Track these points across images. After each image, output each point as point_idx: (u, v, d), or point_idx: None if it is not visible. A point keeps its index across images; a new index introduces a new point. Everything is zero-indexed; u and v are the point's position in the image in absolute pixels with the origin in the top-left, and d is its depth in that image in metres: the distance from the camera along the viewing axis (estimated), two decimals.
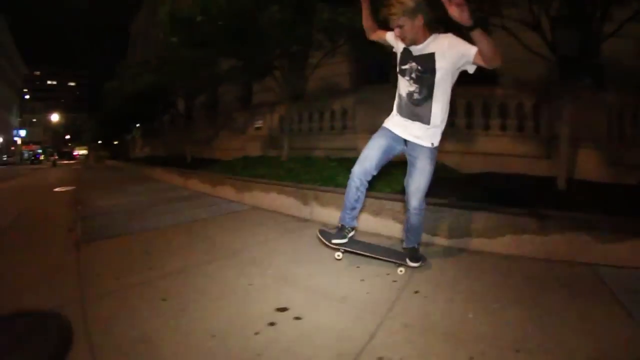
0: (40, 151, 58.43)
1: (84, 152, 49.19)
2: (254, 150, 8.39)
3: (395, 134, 1.93)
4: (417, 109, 1.85)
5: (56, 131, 52.35)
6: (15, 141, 54.48)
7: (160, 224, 3.47)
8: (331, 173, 4.41)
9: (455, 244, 2.48)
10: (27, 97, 66.54)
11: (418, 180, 1.90)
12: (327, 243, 2.09)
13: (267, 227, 3.24)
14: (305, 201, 3.51)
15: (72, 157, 56.58)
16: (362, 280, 1.92)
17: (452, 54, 1.71)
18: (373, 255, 2.09)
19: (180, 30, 5.97)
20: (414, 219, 1.98)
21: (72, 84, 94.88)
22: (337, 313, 1.55)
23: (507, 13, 3.56)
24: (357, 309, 1.59)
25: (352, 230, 2.12)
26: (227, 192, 5.08)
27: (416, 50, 1.80)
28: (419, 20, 1.70)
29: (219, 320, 1.49)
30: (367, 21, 2.10)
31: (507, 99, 5.01)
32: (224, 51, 6.35)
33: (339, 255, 2.17)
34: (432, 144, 1.88)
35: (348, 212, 2.06)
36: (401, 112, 1.93)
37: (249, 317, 1.50)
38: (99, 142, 28.06)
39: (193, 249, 2.59)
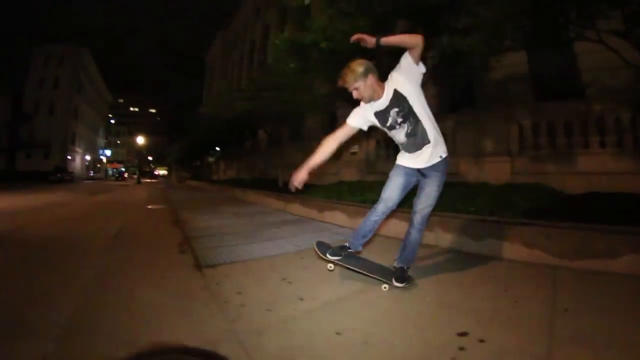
0: (123, 169, 65.95)
1: (164, 172, 53.58)
2: (350, 175, 8.09)
3: (410, 169, 2.09)
4: (416, 138, 2.02)
5: (140, 152, 59.50)
6: (101, 159, 62.89)
7: (280, 248, 3.27)
8: (448, 199, 3.94)
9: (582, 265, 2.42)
10: (112, 121, 76.98)
11: (431, 197, 2.06)
12: (321, 255, 2.20)
13: (393, 252, 2.85)
14: (430, 227, 3.13)
15: (154, 176, 62.28)
16: (515, 302, 1.87)
17: (404, 75, 1.96)
18: (361, 272, 2.18)
19: (297, 56, 6.07)
20: (416, 235, 2.13)
21: (153, 110, 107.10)
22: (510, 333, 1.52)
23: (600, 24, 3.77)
24: (526, 326, 1.58)
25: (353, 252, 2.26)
26: (337, 217, 4.76)
27: (382, 102, 2.01)
28: (371, 79, 1.97)
29: (409, 350, 1.39)
30: (324, 159, 2.17)
31: (604, 113, 4.83)
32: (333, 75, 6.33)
33: (330, 267, 2.27)
34: (442, 156, 2.04)
35: (359, 239, 2.21)
36: (408, 150, 2.07)
37: (436, 345, 1.42)
38: (181, 163, 29.68)
39: (336, 276, 2.35)
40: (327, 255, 2.19)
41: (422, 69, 1.96)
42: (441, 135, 2.07)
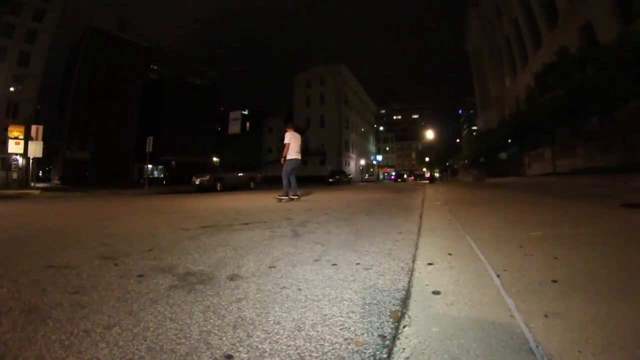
0: (393, 173, 65.75)
1: (436, 174, 50.15)
2: None
3: None
4: None
5: (420, 154, 58.18)
6: (374, 164, 65.23)
7: None
8: None
9: None
10: (381, 128, 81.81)
11: None
12: None
13: None
14: None
15: (425, 179, 60.59)
16: None
17: None
18: None
19: None
20: None
21: (415, 116, 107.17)
22: None
23: None
24: None
25: None
26: None
27: None
28: None
29: None
30: None
31: None
32: None
33: None
34: None
35: None
36: None
37: None
38: (464, 161, 26.83)
39: None
40: None
41: None
42: None
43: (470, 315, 0.97)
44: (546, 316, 0.93)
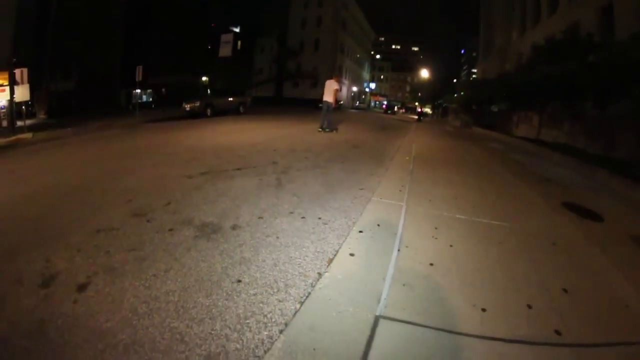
0: (385, 102, 64.19)
1: (428, 110, 48.70)
2: None
3: None
4: None
5: (413, 90, 55.87)
6: (366, 92, 63.50)
7: None
8: None
9: None
10: (377, 56, 76.72)
11: None
12: None
13: None
14: None
15: (416, 113, 59.23)
16: None
17: None
18: None
19: None
20: None
21: (415, 48, 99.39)
22: None
23: None
24: None
25: None
26: None
27: None
28: None
29: None
30: None
31: None
32: None
33: None
34: None
35: None
36: None
37: None
38: (466, 105, 25.43)
39: None
40: None
41: None
42: None
43: (363, 271, 1.71)
44: (404, 285, 1.71)
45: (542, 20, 21.27)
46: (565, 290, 1.61)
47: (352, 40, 51.78)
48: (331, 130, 8.28)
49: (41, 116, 33.42)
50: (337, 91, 8.32)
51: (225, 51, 24.86)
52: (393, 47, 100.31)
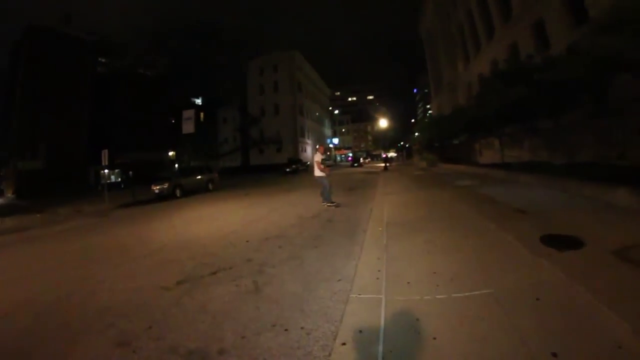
0: (351, 154, 67.46)
1: (392, 154, 51.71)
2: None
3: None
4: None
5: (375, 138, 60.04)
6: (331, 148, 66.73)
7: None
8: None
9: None
10: (336, 111, 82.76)
11: None
12: None
13: None
14: None
15: (381, 159, 62.75)
16: None
17: None
18: None
19: None
20: None
21: (371, 97, 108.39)
22: None
23: None
24: None
25: None
26: None
27: None
28: None
29: None
30: None
31: None
32: None
33: None
34: None
35: None
36: None
37: None
38: (428, 144, 27.18)
39: None
40: None
41: None
42: None
43: None
44: None
45: (483, 47, 22.90)
46: (554, 355, 1.72)
47: (310, 101, 55.58)
48: (332, 204, 8.18)
49: (9, 195, 31.14)
50: (320, 163, 8.60)
51: (188, 127, 25.73)
52: (349, 99, 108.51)
